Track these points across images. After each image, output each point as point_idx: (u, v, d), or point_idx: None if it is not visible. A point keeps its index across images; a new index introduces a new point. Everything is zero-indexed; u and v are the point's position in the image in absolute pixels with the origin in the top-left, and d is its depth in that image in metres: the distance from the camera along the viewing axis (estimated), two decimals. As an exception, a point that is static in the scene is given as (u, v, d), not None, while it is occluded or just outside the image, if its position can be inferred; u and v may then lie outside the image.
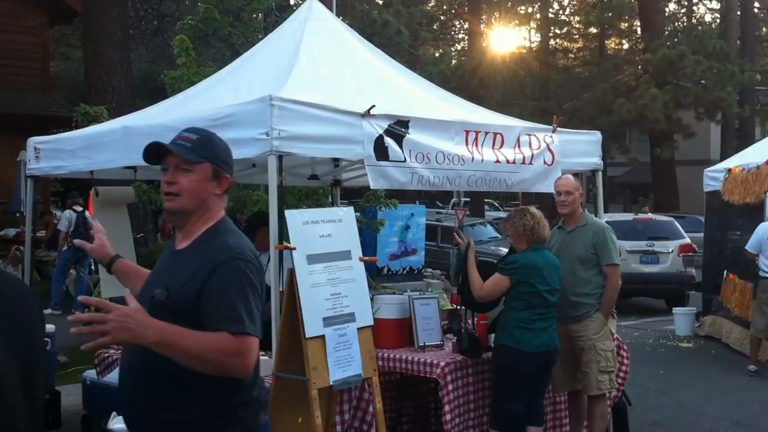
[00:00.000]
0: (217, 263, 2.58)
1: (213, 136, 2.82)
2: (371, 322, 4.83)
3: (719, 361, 10.26)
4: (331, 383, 4.48)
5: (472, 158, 5.66)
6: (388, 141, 5.24)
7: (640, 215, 16.70)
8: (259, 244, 6.42)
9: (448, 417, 5.06)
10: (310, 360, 4.34)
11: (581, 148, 6.62)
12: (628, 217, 16.49)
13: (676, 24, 39.86)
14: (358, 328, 4.67)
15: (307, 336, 4.37)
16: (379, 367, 5.12)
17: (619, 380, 6.36)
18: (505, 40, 29.11)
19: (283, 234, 4.67)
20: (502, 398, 5.27)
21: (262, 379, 2.81)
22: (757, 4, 34.24)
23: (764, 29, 38.45)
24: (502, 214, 27.89)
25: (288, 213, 4.58)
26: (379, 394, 4.76)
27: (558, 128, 6.30)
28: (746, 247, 9.46)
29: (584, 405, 5.89)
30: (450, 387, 5.10)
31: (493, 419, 5.30)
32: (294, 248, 4.47)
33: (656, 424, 7.42)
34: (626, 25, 34.26)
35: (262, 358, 5.00)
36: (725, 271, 11.06)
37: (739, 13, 30.58)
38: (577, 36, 37.24)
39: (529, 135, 6.09)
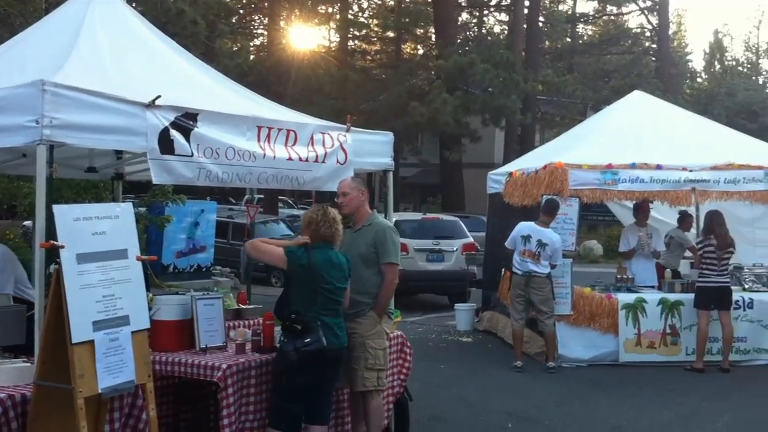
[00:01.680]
0: None
1: None
2: (147, 325, 4.63)
3: (496, 355, 10.82)
4: (100, 391, 4.23)
5: (264, 155, 5.58)
6: (174, 134, 5.06)
7: (429, 215, 17.34)
8: None
9: (225, 422, 4.91)
10: (77, 367, 4.08)
11: (374, 148, 6.71)
12: (417, 216, 17.07)
13: (468, 33, 41.86)
14: (133, 332, 4.45)
15: (73, 341, 4.09)
16: (156, 371, 4.94)
17: (402, 376, 6.53)
18: (305, 38, 29.18)
19: (52, 231, 4.32)
20: (283, 398, 5.19)
21: None
22: (542, 19, 36.74)
23: (547, 42, 41.37)
24: (297, 212, 28.04)
25: (56, 208, 4.25)
26: (153, 400, 4.57)
27: (352, 128, 6.35)
28: (505, 244, 10.11)
29: None
30: (230, 390, 4.95)
31: (273, 419, 5.21)
32: (62, 246, 4.16)
33: (435, 418, 7.67)
34: (422, 31, 35.51)
35: (23, 365, 4.67)
36: (503, 269, 11.67)
37: (525, 26, 32.66)
38: (375, 39, 38.12)
39: (323, 133, 6.09)
